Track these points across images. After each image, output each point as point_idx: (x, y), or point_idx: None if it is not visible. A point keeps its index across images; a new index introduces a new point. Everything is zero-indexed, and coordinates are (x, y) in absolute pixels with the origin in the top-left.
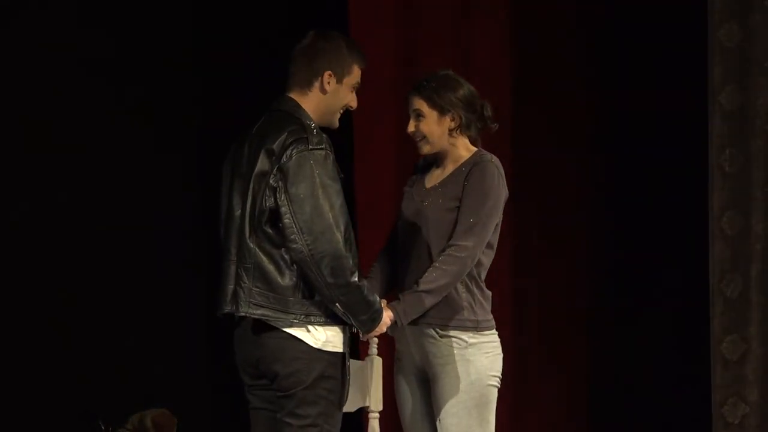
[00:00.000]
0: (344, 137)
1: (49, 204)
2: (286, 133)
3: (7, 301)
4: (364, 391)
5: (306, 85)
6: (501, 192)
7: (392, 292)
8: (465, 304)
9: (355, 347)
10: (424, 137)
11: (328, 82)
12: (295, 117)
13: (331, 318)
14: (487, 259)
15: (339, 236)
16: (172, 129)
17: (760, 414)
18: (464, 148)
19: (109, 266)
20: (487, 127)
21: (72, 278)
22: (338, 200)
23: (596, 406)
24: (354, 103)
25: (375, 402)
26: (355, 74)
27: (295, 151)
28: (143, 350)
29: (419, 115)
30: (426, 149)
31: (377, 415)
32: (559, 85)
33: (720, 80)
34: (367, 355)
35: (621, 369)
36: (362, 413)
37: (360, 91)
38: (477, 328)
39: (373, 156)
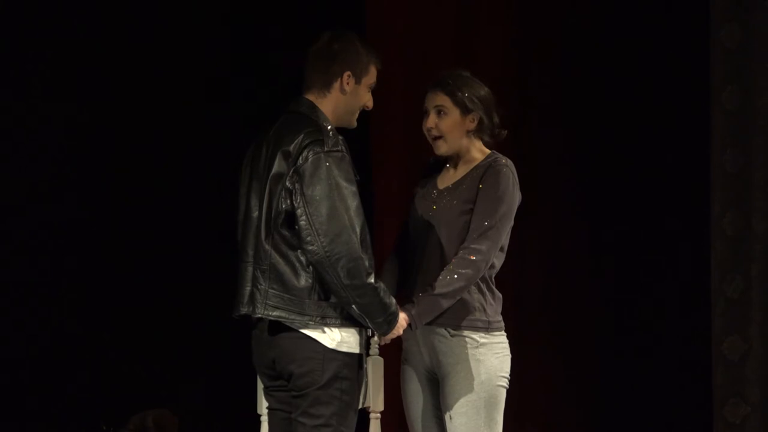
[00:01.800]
0: (361, 139)
1: (50, 204)
2: (302, 135)
3: (7, 301)
4: (366, 392)
5: (324, 87)
6: (515, 196)
7: (402, 293)
8: (477, 305)
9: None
10: (442, 136)
11: (347, 83)
12: (311, 119)
13: (347, 320)
14: (499, 262)
15: (355, 238)
16: (192, 129)
17: (762, 414)
18: (478, 150)
19: (110, 267)
20: (496, 133)
21: (72, 279)
22: (354, 202)
23: (597, 406)
24: (370, 103)
25: (377, 403)
26: (372, 74)
27: (311, 153)
28: (144, 351)
29: (441, 112)
30: (443, 149)
31: (378, 415)
32: (560, 87)
33: (721, 80)
34: (368, 355)
35: (622, 369)
36: (363, 414)
37: (377, 92)
38: (488, 328)
39: (390, 157)
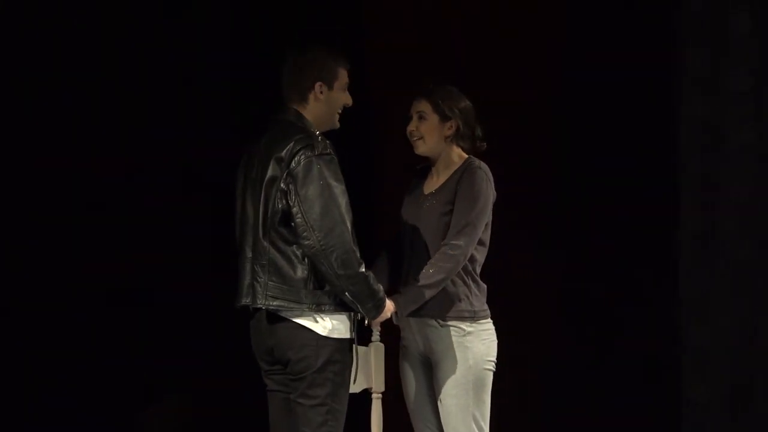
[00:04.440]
0: (363, 139)
1: (51, 203)
2: (293, 142)
3: (8, 300)
4: (369, 374)
5: (302, 99)
6: (489, 194)
7: (394, 285)
8: (462, 296)
9: (362, 334)
10: (422, 137)
11: (321, 92)
12: (299, 126)
13: (340, 306)
14: (481, 256)
15: (347, 231)
16: (191, 131)
17: (725, 395)
18: (457, 156)
19: (111, 265)
20: (476, 145)
21: (75, 278)
22: (344, 199)
23: (566, 394)
24: (349, 101)
25: (378, 384)
26: (342, 76)
27: (303, 156)
28: (145, 349)
29: (422, 117)
30: (421, 149)
31: (380, 395)
32: (561, 84)
33: (689, 93)
34: (371, 341)
35: (594, 356)
36: (367, 394)
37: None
38: (474, 317)
39: (391, 157)
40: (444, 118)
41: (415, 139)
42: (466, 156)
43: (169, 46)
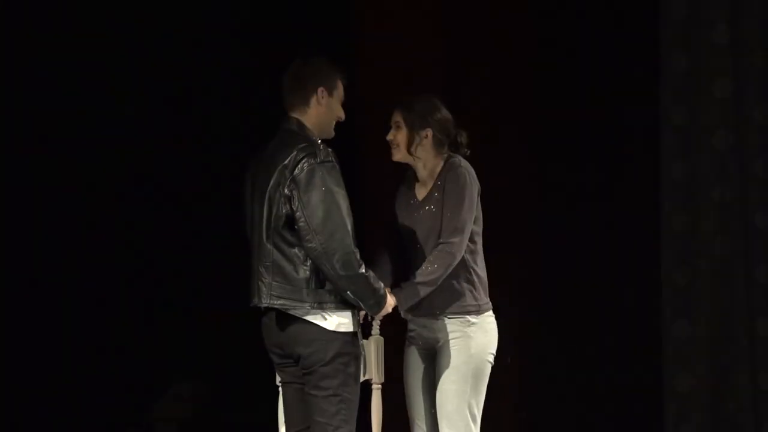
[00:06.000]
0: (351, 147)
1: (56, 201)
2: (296, 150)
3: (9, 299)
4: (369, 366)
5: (304, 104)
6: (473, 190)
7: (395, 281)
8: (466, 292)
9: (363, 328)
10: (398, 145)
11: (322, 97)
12: (301, 135)
13: (341, 303)
14: (478, 247)
15: (348, 235)
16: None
17: (706, 385)
18: (440, 161)
19: (111, 265)
20: (459, 152)
21: (75, 278)
22: (345, 203)
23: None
24: (342, 115)
25: (378, 375)
26: (341, 88)
27: (306, 164)
28: (146, 349)
29: (398, 126)
30: (397, 156)
31: (379, 386)
32: (551, 86)
33: (670, 102)
34: (371, 335)
35: (581, 347)
36: (367, 385)
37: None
38: (478, 311)
39: (377, 163)
40: (416, 127)
41: (392, 147)
42: (446, 155)
43: (170, 46)
